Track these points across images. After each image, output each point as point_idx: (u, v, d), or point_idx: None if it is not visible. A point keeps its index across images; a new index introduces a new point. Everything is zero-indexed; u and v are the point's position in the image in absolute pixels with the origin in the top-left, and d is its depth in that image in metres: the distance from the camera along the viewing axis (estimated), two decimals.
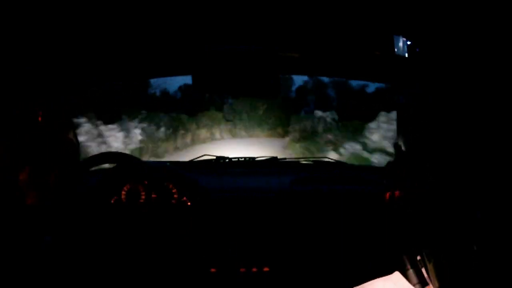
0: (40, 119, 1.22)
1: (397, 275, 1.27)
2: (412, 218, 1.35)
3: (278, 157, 1.92)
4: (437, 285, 1.11)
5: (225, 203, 1.51)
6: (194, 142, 11.53)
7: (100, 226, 1.40)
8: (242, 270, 1.48)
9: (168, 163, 1.84)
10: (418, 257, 1.26)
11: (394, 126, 1.66)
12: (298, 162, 1.96)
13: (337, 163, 1.97)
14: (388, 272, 1.42)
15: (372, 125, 5.12)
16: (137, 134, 8.09)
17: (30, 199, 1.10)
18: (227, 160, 1.85)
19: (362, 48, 1.23)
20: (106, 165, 1.48)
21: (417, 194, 1.31)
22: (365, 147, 5.23)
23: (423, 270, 1.21)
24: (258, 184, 1.64)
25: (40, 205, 1.13)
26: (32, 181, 1.10)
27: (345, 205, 1.55)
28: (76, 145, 1.13)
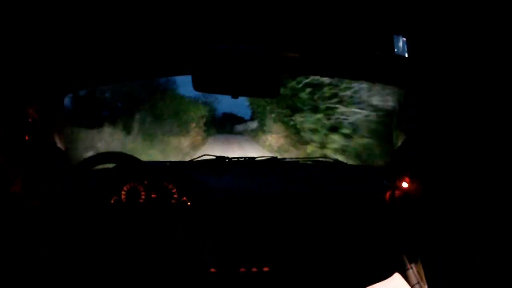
0: (38, 120, 1.22)
1: (397, 277, 1.28)
2: (412, 218, 1.36)
3: (278, 157, 1.92)
4: (435, 285, 1.11)
5: (225, 203, 1.51)
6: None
7: (100, 226, 1.40)
8: (242, 270, 1.48)
9: (168, 163, 1.84)
10: (418, 257, 1.26)
11: (394, 126, 1.66)
12: (297, 162, 1.96)
13: (337, 163, 1.97)
14: (388, 271, 1.43)
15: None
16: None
17: (30, 201, 1.09)
18: (227, 160, 1.85)
19: (362, 48, 1.23)
20: (106, 165, 1.48)
21: (418, 194, 1.32)
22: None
23: (422, 270, 1.22)
24: (258, 184, 1.64)
25: (40, 207, 1.13)
26: (32, 183, 1.10)
27: (344, 205, 1.55)
28: (70, 147, 1.13)
